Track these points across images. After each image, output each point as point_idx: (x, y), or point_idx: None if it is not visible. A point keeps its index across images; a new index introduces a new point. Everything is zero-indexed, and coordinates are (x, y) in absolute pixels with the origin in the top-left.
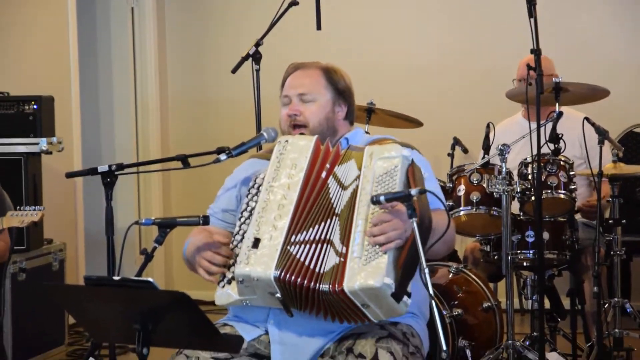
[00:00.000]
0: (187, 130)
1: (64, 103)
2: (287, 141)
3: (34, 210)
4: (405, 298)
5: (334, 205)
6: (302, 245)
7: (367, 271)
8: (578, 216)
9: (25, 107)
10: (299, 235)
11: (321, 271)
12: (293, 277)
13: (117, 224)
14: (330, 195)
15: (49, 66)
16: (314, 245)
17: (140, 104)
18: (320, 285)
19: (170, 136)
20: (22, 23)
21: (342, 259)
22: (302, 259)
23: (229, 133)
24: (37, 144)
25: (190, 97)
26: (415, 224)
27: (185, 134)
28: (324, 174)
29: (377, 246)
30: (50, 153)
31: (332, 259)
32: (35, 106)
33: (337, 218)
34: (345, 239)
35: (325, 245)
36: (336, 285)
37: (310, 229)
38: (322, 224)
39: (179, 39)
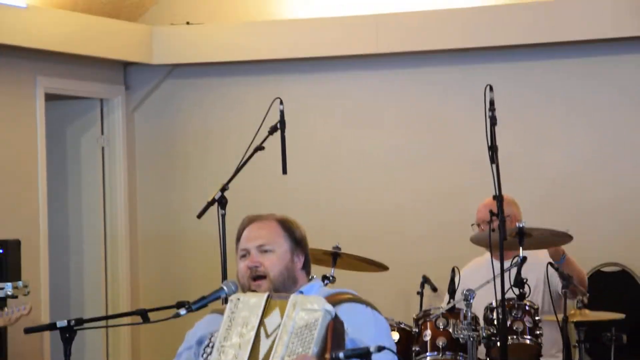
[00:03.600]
0: (156, 269)
1: (32, 246)
2: (238, 299)
3: (20, 307)
4: None
5: (259, 357)
6: None
7: None
8: None
9: None
10: None
11: None
12: None
13: None
14: (260, 346)
15: (17, 209)
16: None
17: (109, 245)
18: None
19: (140, 276)
20: None
21: None
22: None
23: (197, 273)
24: (2, 288)
25: (160, 236)
26: None
27: (154, 273)
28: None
29: None
30: (16, 297)
31: None
32: (1, 250)
33: None
34: None
35: None
36: None
37: None
38: None
39: (149, 179)
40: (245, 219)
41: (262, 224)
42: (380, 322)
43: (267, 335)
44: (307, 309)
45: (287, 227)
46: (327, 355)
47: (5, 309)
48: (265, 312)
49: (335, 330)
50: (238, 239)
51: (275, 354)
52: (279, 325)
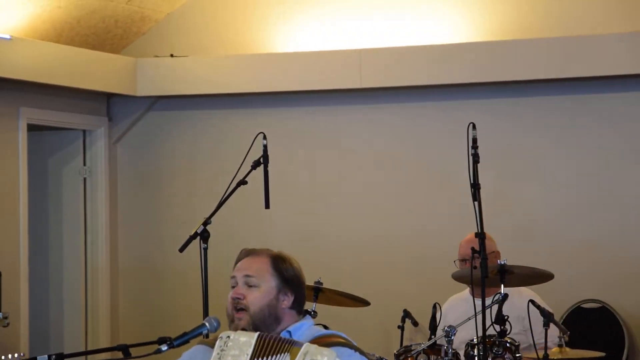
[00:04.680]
0: (137, 302)
1: (12, 277)
2: (228, 337)
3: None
4: None
5: None
6: None
7: None
8: None
9: None
10: None
11: None
12: None
13: None
14: None
15: None
16: None
17: (90, 276)
18: None
19: (120, 308)
20: None
21: None
22: None
23: (178, 306)
24: None
25: (141, 268)
26: None
27: (134, 305)
28: None
29: None
30: None
31: None
32: None
33: None
34: None
35: None
36: None
37: None
38: None
39: (131, 211)
40: (242, 251)
41: (254, 259)
42: None
43: None
44: None
45: (278, 264)
46: None
47: None
48: (271, 353)
49: None
50: (233, 268)
51: None
52: None
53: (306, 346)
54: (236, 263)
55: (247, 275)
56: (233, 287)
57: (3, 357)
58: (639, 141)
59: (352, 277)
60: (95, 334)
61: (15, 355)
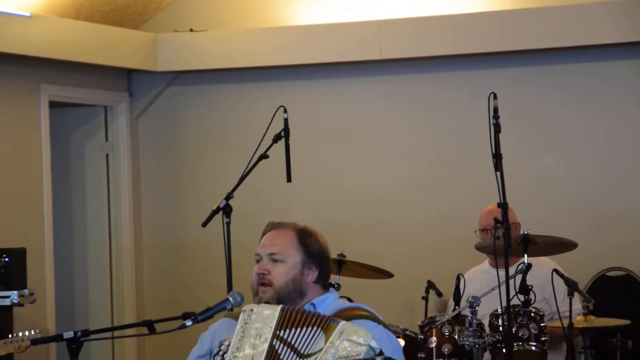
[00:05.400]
0: (161, 277)
1: (37, 254)
2: (252, 310)
3: (30, 334)
4: None
5: None
6: None
7: None
8: None
9: None
10: None
11: None
12: None
13: None
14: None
15: (23, 217)
16: None
17: (114, 251)
18: None
19: (144, 284)
20: None
21: None
22: None
23: (202, 281)
24: (8, 297)
25: (165, 243)
26: None
27: (159, 281)
28: (284, 345)
29: None
30: (22, 305)
31: None
32: (6, 259)
33: None
34: None
35: None
36: None
37: None
38: None
39: (154, 186)
40: (268, 225)
41: (280, 233)
42: (392, 341)
43: (303, 356)
44: (353, 340)
45: (303, 239)
46: None
47: (16, 334)
48: (300, 325)
49: None
50: (260, 240)
51: None
52: (320, 350)
53: (342, 324)
54: (262, 236)
55: (272, 253)
56: (258, 261)
57: (15, 334)
58: None
59: (375, 250)
60: (120, 310)
61: (32, 332)
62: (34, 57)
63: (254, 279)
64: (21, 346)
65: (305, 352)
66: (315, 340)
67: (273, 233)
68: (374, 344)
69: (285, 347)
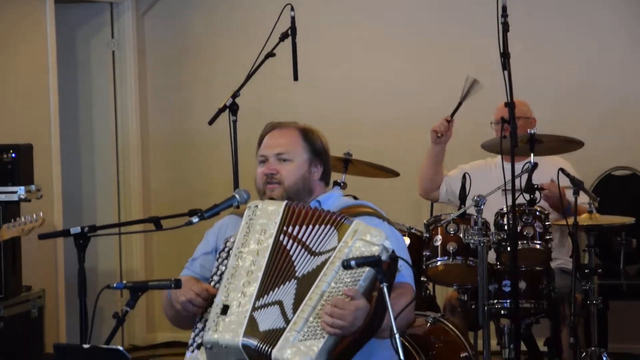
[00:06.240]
0: (168, 175)
1: (44, 150)
2: (256, 206)
3: (32, 218)
4: None
5: (296, 269)
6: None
7: (298, 348)
8: (554, 264)
9: (3, 155)
10: (265, 300)
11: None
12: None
13: (98, 276)
14: (296, 258)
15: (29, 113)
16: (271, 307)
17: (121, 148)
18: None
19: (151, 182)
20: (0, 69)
21: (284, 325)
22: None
23: (208, 179)
24: (15, 192)
25: (171, 140)
26: (385, 289)
27: (165, 178)
28: (292, 240)
29: (319, 328)
30: (29, 201)
31: (278, 321)
32: (13, 155)
33: (296, 282)
34: (296, 306)
35: (278, 306)
36: (267, 347)
37: (272, 292)
38: (282, 286)
39: (160, 83)
40: (268, 125)
41: (283, 132)
42: (397, 237)
43: (315, 254)
44: (366, 240)
45: (308, 137)
46: (375, 293)
47: (18, 218)
48: (309, 223)
49: (388, 267)
50: (259, 144)
51: (324, 277)
52: (333, 249)
53: (356, 223)
54: (262, 137)
55: (279, 153)
56: (262, 162)
57: (19, 219)
58: None
59: (381, 149)
60: (127, 207)
61: (35, 215)
62: None
63: (259, 180)
64: (24, 229)
65: (317, 250)
66: (327, 238)
67: (276, 133)
68: (387, 243)
69: (295, 243)
